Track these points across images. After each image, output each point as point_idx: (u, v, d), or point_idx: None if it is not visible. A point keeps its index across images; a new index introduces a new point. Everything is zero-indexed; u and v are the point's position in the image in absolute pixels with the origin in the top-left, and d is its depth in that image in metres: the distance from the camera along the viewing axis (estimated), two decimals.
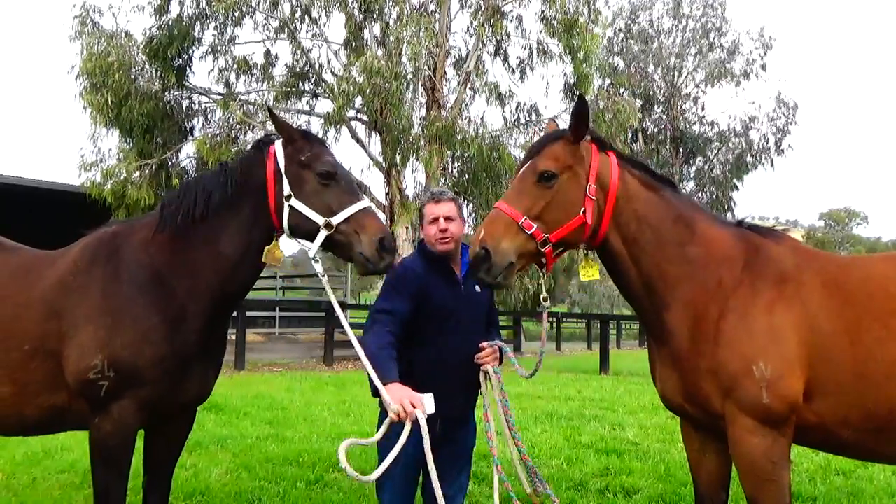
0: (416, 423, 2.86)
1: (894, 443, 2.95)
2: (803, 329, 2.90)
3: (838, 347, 2.88)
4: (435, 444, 2.93)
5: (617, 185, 3.05)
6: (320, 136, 17.17)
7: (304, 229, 3.14)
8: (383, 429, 3.01)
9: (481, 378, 3.51)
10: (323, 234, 3.10)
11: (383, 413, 3.16)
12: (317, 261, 3.25)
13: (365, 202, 3.17)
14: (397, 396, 2.89)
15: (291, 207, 3.13)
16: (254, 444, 6.65)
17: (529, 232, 2.92)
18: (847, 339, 2.89)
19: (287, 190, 3.13)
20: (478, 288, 3.52)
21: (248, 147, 3.46)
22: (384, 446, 3.03)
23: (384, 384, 2.96)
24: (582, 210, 2.98)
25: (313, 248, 3.14)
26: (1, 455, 5.90)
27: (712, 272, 3.06)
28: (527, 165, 3.06)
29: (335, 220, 3.09)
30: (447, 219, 3.49)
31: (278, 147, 3.22)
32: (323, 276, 3.38)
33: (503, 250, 2.89)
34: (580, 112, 3.00)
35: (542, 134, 3.26)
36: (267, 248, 3.19)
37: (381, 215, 16.99)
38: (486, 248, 2.89)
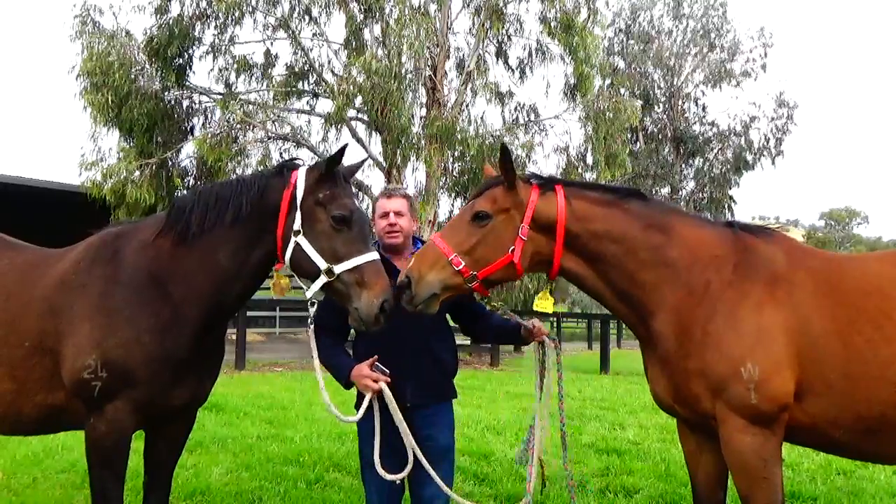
0: (386, 391, 3.33)
1: (887, 444, 2.96)
2: (793, 330, 2.91)
3: (828, 348, 2.89)
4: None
5: (564, 215, 3.14)
6: (320, 136, 17.07)
7: (304, 269, 3.08)
8: (363, 409, 3.39)
9: (534, 349, 3.62)
10: (322, 279, 3.03)
11: (359, 397, 3.53)
12: (313, 304, 3.19)
13: (373, 254, 3.08)
14: (361, 382, 3.38)
15: (297, 244, 3.05)
16: (254, 443, 6.65)
17: (457, 268, 3.07)
18: (838, 339, 2.89)
19: (297, 224, 3.06)
20: None
21: (273, 167, 3.38)
22: (364, 431, 3.52)
23: (346, 377, 3.44)
24: (511, 249, 3.12)
25: (310, 291, 3.08)
26: (1, 455, 5.90)
27: (698, 274, 3.07)
28: (467, 205, 3.26)
29: (338, 268, 3.00)
30: (397, 214, 3.62)
31: (300, 175, 3.13)
32: (311, 324, 3.32)
33: (427, 282, 3.06)
34: (503, 162, 3.16)
35: (484, 180, 3.42)
36: (272, 282, 3.16)
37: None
38: (409, 277, 3.07)
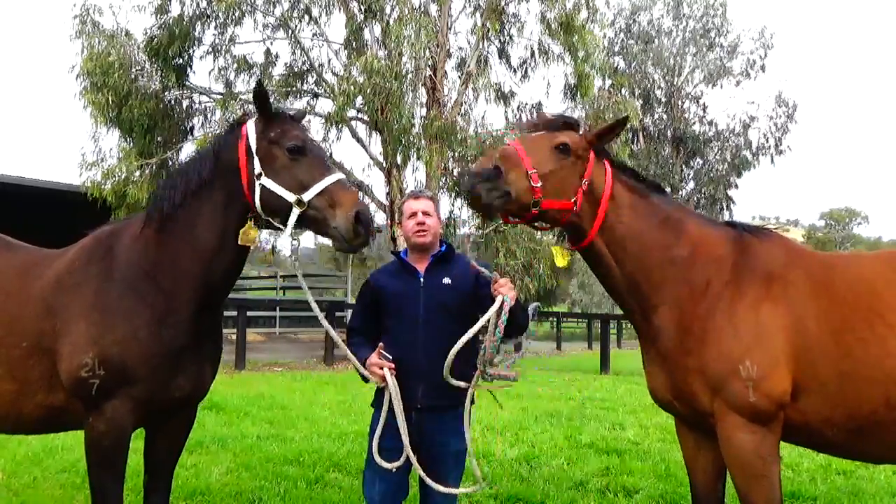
0: (388, 377, 3.36)
1: (879, 443, 2.97)
2: (789, 328, 2.93)
3: (822, 347, 2.91)
4: (415, 431, 3.41)
5: (609, 193, 3.14)
6: (320, 136, 17.08)
7: (275, 207, 3.08)
8: (386, 404, 3.42)
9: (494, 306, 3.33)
10: (296, 211, 3.03)
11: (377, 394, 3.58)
12: (294, 239, 3.24)
13: (337, 175, 3.08)
14: (369, 370, 3.43)
15: (262, 186, 3.07)
16: (254, 443, 6.65)
17: (535, 185, 3.00)
18: (831, 338, 2.91)
19: (258, 168, 3.08)
20: (446, 280, 3.57)
21: (223, 130, 3.45)
22: (374, 426, 3.48)
23: (362, 365, 3.47)
24: (574, 199, 3.09)
25: (288, 226, 3.08)
26: (2, 454, 5.90)
27: (700, 272, 3.10)
28: (542, 133, 3.17)
29: (306, 196, 3.01)
30: (425, 213, 3.66)
31: (250, 126, 3.18)
32: (296, 264, 3.41)
33: (512, 180, 2.96)
34: (616, 130, 3.23)
35: (558, 114, 3.35)
36: (241, 229, 3.14)
37: (384, 196, 17.02)
38: (499, 167, 2.96)
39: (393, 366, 3.40)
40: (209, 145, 3.31)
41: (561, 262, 3.38)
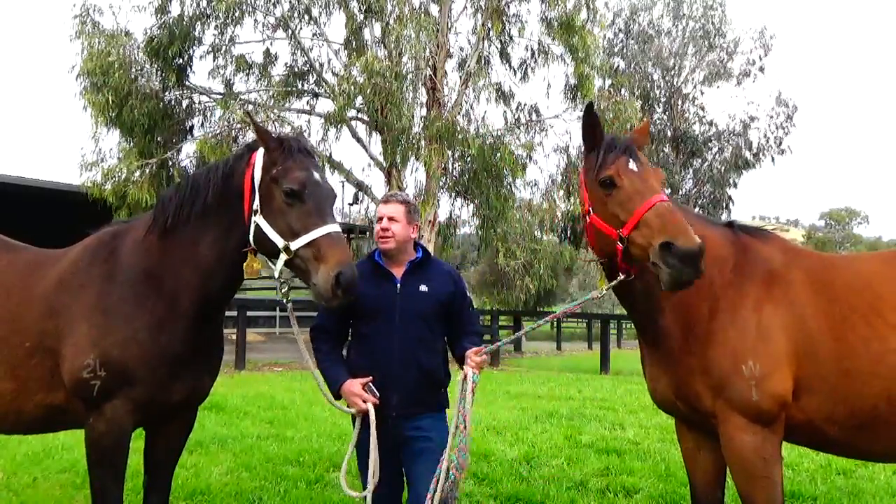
0: (371, 413, 3.35)
1: (880, 440, 2.99)
2: (791, 327, 2.95)
3: (824, 345, 2.93)
4: (393, 436, 3.44)
5: None
6: (320, 135, 17.00)
7: (266, 249, 3.03)
8: (356, 430, 3.46)
9: (459, 380, 3.44)
10: (283, 257, 2.96)
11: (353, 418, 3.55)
12: (282, 281, 3.11)
13: (329, 227, 2.93)
14: (350, 399, 3.42)
15: (256, 224, 3.02)
16: (254, 443, 6.65)
17: None
18: (832, 336, 2.93)
19: (256, 204, 3.03)
20: (423, 288, 3.56)
21: (236, 150, 3.37)
22: (361, 449, 3.47)
23: (338, 387, 3.45)
24: None
25: (276, 270, 3.04)
26: (2, 454, 5.90)
27: (704, 273, 3.08)
28: (648, 165, 3.07)
29: (294, 244, 2.92)
30: (390, 219, 3.60)
31: (258, 156, 3.10)
32: (288, 302, 3.30)
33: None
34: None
35: (630, 135, 3.26)
36: (245, 263, 3.12)
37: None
38: (703, 242, 2.75)
39: (377, 402, 3.38)
40: (221, 166, 3.22)
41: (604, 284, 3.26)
